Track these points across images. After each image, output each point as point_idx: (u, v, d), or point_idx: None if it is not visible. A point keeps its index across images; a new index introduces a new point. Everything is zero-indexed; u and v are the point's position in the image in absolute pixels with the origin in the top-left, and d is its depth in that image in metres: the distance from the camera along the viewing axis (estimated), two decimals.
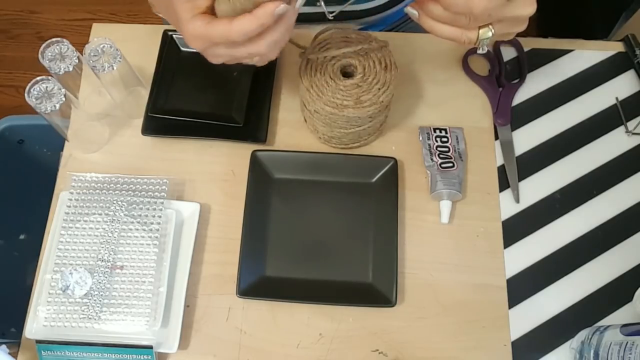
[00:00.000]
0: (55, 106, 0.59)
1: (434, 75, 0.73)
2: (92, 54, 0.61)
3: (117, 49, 0.62)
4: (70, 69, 0.62)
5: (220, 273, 0.63)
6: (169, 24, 0.72)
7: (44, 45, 0.62)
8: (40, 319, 0.58)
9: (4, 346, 0.66)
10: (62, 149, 0.69)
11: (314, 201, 0.66)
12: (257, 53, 0.49)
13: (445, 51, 0.74)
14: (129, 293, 0.59)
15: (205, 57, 0.51)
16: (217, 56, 0.50)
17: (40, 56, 0.62)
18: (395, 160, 0.66)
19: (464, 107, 0.71)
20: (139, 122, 0.69)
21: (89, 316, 0.58)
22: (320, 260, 0.64)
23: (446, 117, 0.71)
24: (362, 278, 0.63)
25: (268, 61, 0.53)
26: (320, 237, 0.65)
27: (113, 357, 0.58)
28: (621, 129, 0.70)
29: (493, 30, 0.51)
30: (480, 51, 0.53)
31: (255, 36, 0.47)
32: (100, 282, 0.59)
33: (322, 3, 0.56)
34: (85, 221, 0.62)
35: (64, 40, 0.63)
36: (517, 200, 0.67)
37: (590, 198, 0.67)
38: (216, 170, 0.68)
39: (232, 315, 0.62)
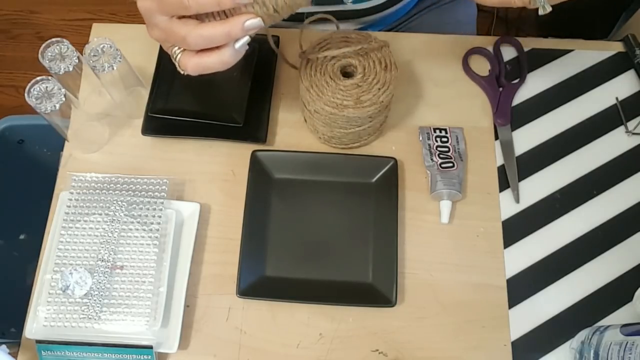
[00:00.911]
0: (55, 106, 0.59)
1: (434, 75, 0.73)
2: (92, 54, 0.61)
3: (117, 49, 0.62)
4: (70, 69, 0.62)
5: (220, 273, 0.63)
6: None
7: (44, 45, 0.62)
8: (40, 319, 0.58)
9: (4, 346, 0.66)
10: (62, 149, 0.69)
11: (314, 201, 0.66)
12: (188, 39, 0.47)
13: (445, 51, 0.74)
14: (129, 293, 0.59)
15: (146, 25, 0.50)
16: (155, 27, 0.49)
17: (40, 56, 0.62)
18: (395, 160, 0.66)
19: (464, 107, 0.71)
20: (139, 122, 0.69)
21: (89, 316, 0.58)
22: (320, 260, 0.64)
23: (446, 117, 0.71)
24: (362, 278, 0.63)
25: (186, 67, 0.50)
26: (320, 237, 0.65)
27: (113, 357, 0.58)
28: (621, 129, 0.70)
29: None
30: (541, 12, 0.48)
31: (197, 20, 0.47)
32: (100, 282, 0.59)
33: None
34: (85, 221, 0.62)
35: (64, 40, 0.63)
36: (517, 200, 0.67)
37: (590, 198, 0.67)
38: (216, 170, 0.68)
39: (232, 315, 0.62)
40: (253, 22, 0.47)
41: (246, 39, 0.49)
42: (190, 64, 0.49)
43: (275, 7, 0.48)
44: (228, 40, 0.48)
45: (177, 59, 0.50)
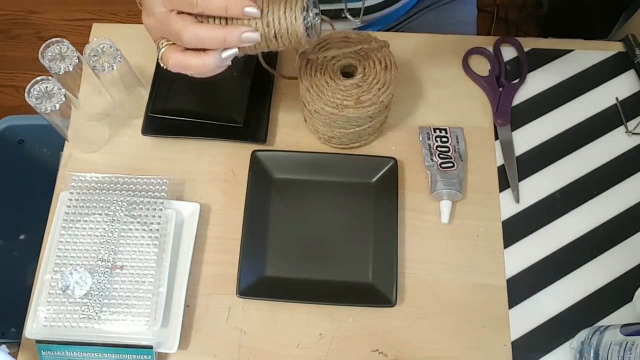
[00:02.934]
0: (55, 106, 0.59)
1: (434, 75, 0.73)
2: (92, 54, 0.61)
3: (117, 49, 0.62)
4: (70, 69, 0.62)
5: (220, 273, 0.63)
6: None
7: (44, 45, 0.62)
8: (40, 319, 0.58)
9: (4, 346, 0.66)
10: (62, 149, 0.69)
11: (314, 201, 0.66)
12: (182, 34, 0.47)
13: (445, 51, 0.74)
14: (129, 293, 0.59)
15: (143, 11, 0.51)
16: (152, 15, 0.49)
17: (40, 56, 0.62)
18: (395, 160, 0.66)
19: (464, 107, 0.71)
20: (139, 122, 0.69)
21: (89, 316, 0.58)
22: (320, 260, 0.64)
23: (446, 117, 0.71)
24: (362, 278, 0.63)
25: (167, 61, 0.50)
26: (320, 237, 0.65)
27: (113, 357, 0.58)
28: (621, 129, 0.70)
29: None
30: None
31: (195, 19, 0.47)
32: (100, 282, 0.59)
33: (347, 12, 0.56)
34: (85, 221, 0.62)
35: (64, 40, 0.63)
36: (517, 200, 0.67)
37: (590, 198, 0.67)
38: (216, 170, 0.68)
39: (232, 315, 0.62)
40: (251, 36, 0.47)
41: (235, 50, 0.49)
42: (173, 59, 0.49)
43: (277, 32, 0.48)
44: (220, 46, 0.48)
45: (161, 51, 0.50)
